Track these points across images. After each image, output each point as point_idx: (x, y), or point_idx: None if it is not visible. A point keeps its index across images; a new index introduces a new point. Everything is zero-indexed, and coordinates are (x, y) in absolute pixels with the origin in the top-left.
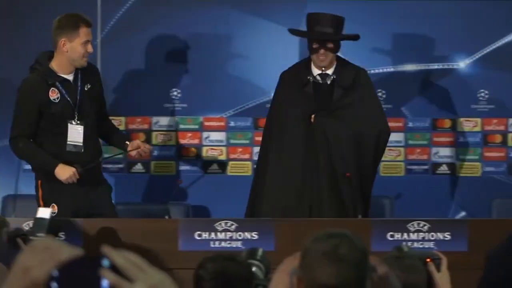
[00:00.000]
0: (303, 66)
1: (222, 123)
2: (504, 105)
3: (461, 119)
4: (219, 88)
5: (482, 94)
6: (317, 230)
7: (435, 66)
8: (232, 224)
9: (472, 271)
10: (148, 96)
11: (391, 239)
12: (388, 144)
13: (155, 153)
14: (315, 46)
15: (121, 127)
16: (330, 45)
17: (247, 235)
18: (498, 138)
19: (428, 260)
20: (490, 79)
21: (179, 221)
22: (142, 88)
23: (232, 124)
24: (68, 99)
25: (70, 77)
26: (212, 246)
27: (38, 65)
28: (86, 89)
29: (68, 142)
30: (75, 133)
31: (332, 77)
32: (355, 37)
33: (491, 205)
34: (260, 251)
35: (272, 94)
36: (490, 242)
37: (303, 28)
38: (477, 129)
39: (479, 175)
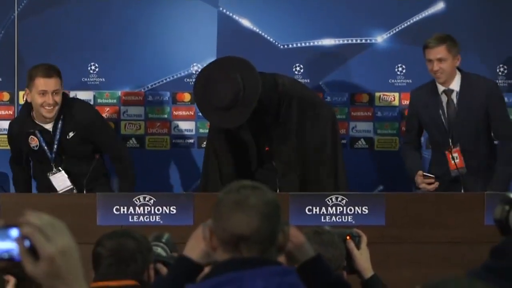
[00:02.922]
0: None
1: (140, 98)
2: (422, 79)
3: (379, 93)
4: (137, 62)
5: (400, 69)
6: None
7: (352, 40)
8: (151, 199)
9: (389, 244)
10: (66, 71)
11: (309, 213)
12: None
13: None
14: None
15: None
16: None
17: (166, 209)
18: None
19: (348, 237)
20: (407, 53)
21: (96, 195)
22: (60, 62)
23: (150, 98)
24: (45, 148)
25: (48, 126)
26: (131, 220)
27: (23, 109)
28: (68, 137)
29: (59, 192)
30: (60, 181)
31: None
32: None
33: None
34: (165, 236)
35: (191, 68)
36: (407, 216)
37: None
38: (395, 103)
39: (396, 149)
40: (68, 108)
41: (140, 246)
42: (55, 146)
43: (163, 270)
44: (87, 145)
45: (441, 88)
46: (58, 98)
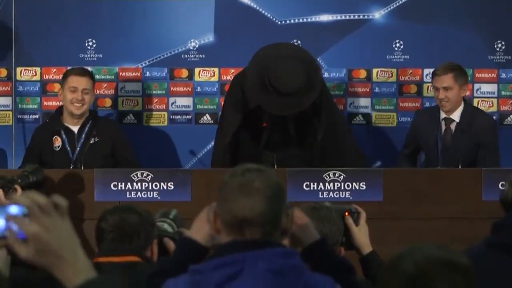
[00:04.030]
0: None
1: (138, 74)
2: (419, 55)
3: (377, 69)
4: (134, 38)
5: (397, 45)
6: None
7: (350, 16)
8: (148, 175)
9: (387, 220)
10: (63, 47)
11: (307, 189)
12: None
13: None
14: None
15: (37, 78)
16: None
17: (163, 185)
18: (413, 89)
19: (346, 213)
20: (405, 29)
21: (94, 171)
22: (57, 38)
23: (147, 74)
24: (68, 148)
25: (75, 128)
26: (128, 196)
27: (55, 112)
28: (91, 142)
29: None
30: None
31: None
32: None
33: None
34: (173, 212)
35: (188, 45)
36: (405, 192)
37: None
38: (393, 79)
39: (394, 125)
40: (94, 119)
41: (143, 221)
42: (78, 149)
43: (170, 244)
44: (108, 153)
45: (442, 115)
46: (87, 97)
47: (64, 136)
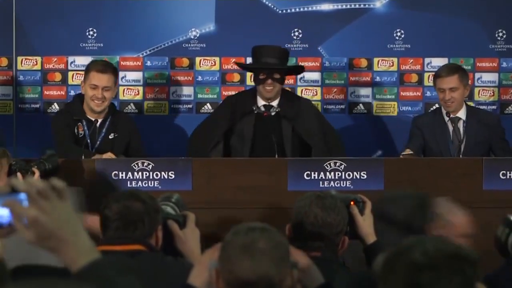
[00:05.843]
0: (250, 95)
1: (139, 63)
2: (420, 44)
3: (378, 58)
4: (135, 27)
5: (398, 34)
6: (234, 169)
7: (351, 5)
8: (149, 164)
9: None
10: (64, 36)
11: (308, 178)
12: (304, 84)
13: (71, 93)
14: (261, 76)
15: (37, 67)
16: (277, 76)
17: (164, 174)
18: (414, 78)
19: (351, 203)
20: (406, 19)
21: (95, 160)
22: (58, 27)
23: (148, 63)
24: (89, 141)
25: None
26: (129, 186)
27: (74, 101)
28: (110, 137)
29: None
30: None
31: (276, 109)
32: (300, 69)
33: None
34: (175, 196)
35: (189, 34)
36: (406, 181)
37: None
38: (393, 68)
39: (395, 114)
40: (113, 114)
41: (147, 208)
42: (98, 142)
43: (174, 226)
44: (123, 150)
45: (446, 116)
46: (108, 94)
47: (85, 128)
